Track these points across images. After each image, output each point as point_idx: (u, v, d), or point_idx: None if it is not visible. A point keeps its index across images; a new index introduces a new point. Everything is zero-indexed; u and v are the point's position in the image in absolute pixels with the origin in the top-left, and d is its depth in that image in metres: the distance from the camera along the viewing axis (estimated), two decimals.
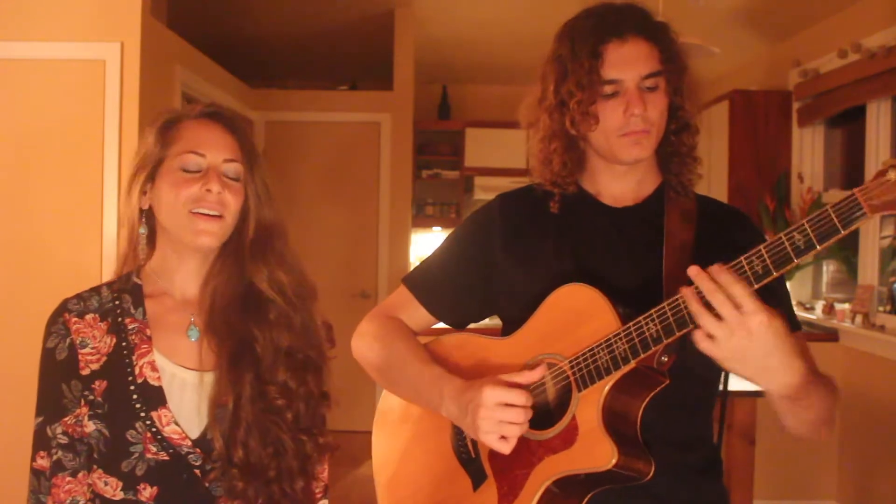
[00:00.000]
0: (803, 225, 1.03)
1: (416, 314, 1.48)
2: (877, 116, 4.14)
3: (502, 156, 6.18)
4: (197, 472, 1.26)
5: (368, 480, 1.49)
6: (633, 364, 1.17)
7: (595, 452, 1.17)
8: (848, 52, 4.17)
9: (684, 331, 1.13)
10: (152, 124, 1.33)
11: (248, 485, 1.25)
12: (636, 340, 1.16)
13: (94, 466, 1.25)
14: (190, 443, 1.25)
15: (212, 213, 1.27)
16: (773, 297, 1.10)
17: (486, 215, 1.46)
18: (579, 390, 1.21)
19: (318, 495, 1.41)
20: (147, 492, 1.24)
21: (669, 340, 1.15)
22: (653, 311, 1.15)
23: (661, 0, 3.34)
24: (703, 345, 1.06)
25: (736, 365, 1.06)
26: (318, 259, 5.48)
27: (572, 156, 1.35)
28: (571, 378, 1.22)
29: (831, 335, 4.13)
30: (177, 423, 1.25)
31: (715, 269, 1.05)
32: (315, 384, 1.34)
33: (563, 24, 1.37)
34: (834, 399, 1.18)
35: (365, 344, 1.49)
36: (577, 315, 1.24)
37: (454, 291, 1.46)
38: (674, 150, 1.35)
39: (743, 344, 1.03)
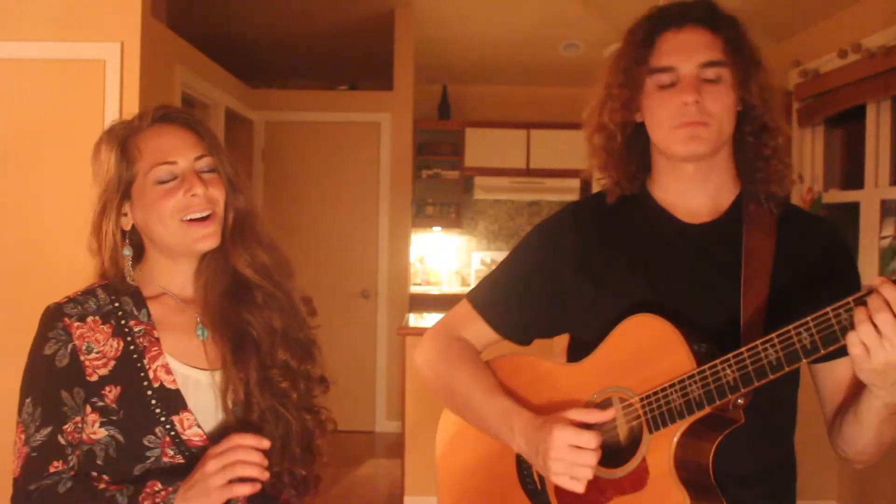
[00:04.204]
0: None
1: (480, 331, 1.41)
2: (877, 116, 4.14)
3: (502, 156, 6.18)
4: None
5: (368, 480, 1.48)
6: (707, 410, 1.12)
7: (666, 500, 1.14)
8: (848, 52, 4.17)
9: (763, 381, 1.07)
10: (107, 143, 1.28)
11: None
12: (712, 387, 1.10)
13: (95, 474, 1.22)
14: (209, 443, 1.24)
15: (203, 215, 1.25)
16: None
17: (558, 228, 1.37)
18: (650, 431, 1.17)
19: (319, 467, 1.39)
20: None
21: (747, 390, 1.09)
22: (730, 356, 1.09)
23: (662, 0, 3.34)
24: (856, 351, 1.00)
25: (876, 376, 1.03)
26: (318, 259, 5.48)
27: (614, 154, 1.30)
28: (643, 418, 1.17)
29: None
30: (199, 426, 1.24)
31: (881, 283, 0.99)
32: (312, 368, 1.34)
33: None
34: None
35: (427, 362, 1.43)
36: (649, 349, 1.18)
37: (521, 308, 1.38)
38: (756, 154, 1.26)
39: (894, 360, 0.99)
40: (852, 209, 4.35)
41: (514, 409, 1.27)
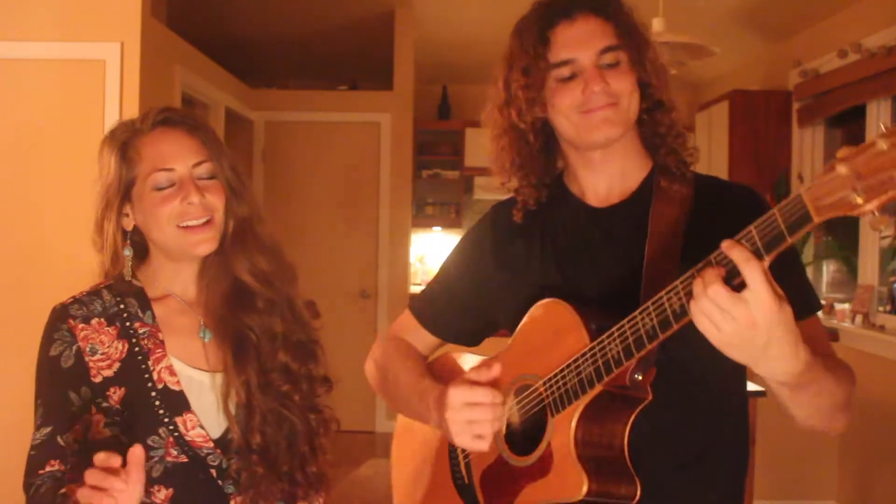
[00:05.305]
0: (751, 232, 0.93)
1: (422, 337, 1.46)
2: (877, 116, 4.14)
3: None
4: (213, 471, 1.26)
5: (368, 480, 1.48)
6: (599, 387, 1.09)
7: (567, 482, 1.12)
8: (848, 52, 4.17)
9: (643, 351, 1.03)
10: (109, 145, 1.29)
11: (267, 470, 1.25)
12: (599, 362, 1.08)
13: None
14: (212, 444, 1.26)
15: (200, 222, 1.26)
16: (788, 275, 1.00)
17: (479, 229, 1.41)
18: (552, 415, 1.15)
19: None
20: (162, 493, 1.23)
21: (630, 362, 1.06)
22: (614, 328, 1.07)
23: (662, 0, 3.35)
24: (703, 325, 0.94)
25: (734, 351, 0.95)
26: (318, 259, 5.48)
27: (523, 152, 1.27)
28: (546, 402, 1.16)
29: (831, 335, 4.12)
30: (202, 427, 1.25)
31: (728, 245, 0.93)
32: (315, 369, 1.36)
33: (515, 24, 1.30)
34: (850, 384, 1.10)
35: (372, 366, 1.48)
36: (552, 333, 1.18)
37: (453, 312, 1.42)
38: (652, 132, 1.26)
39: (744, 331, 0.92)
40: None
41: (431, 387, 1.27)
